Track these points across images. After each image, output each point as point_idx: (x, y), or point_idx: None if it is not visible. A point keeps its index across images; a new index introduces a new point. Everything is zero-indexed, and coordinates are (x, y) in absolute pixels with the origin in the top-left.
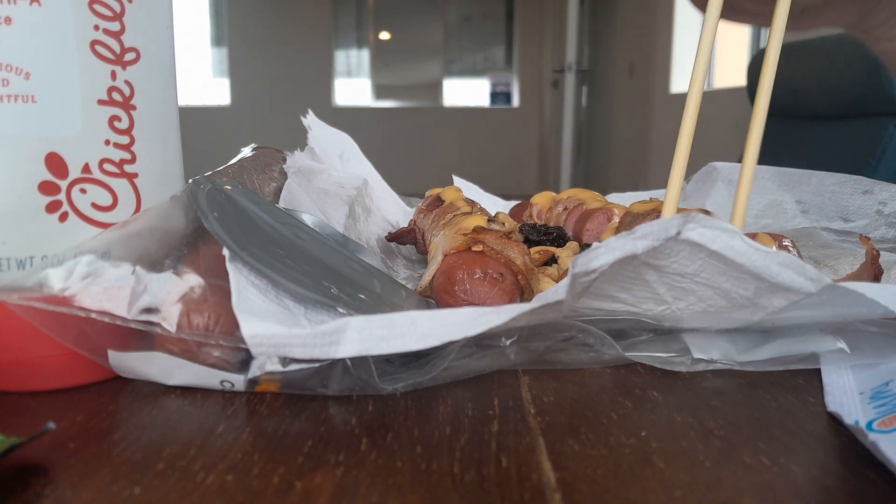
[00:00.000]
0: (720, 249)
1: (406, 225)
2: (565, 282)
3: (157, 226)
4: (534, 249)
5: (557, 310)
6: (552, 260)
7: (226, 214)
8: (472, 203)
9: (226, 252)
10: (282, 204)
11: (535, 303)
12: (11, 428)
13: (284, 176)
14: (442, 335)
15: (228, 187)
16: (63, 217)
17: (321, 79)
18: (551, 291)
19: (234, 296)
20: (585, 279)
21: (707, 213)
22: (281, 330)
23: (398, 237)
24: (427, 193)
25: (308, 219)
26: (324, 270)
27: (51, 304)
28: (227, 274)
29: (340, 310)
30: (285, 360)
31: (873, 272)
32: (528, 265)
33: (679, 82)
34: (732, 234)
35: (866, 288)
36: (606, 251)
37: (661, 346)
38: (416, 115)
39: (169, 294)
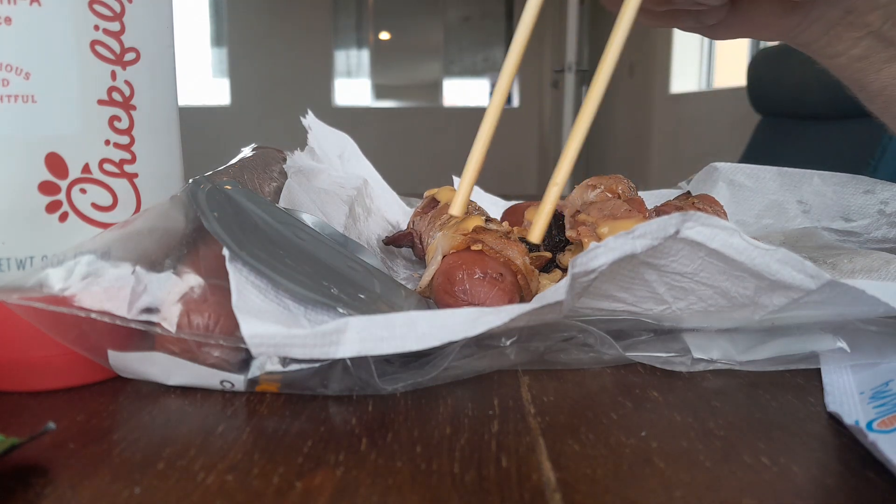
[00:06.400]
0: (719, 248)
1: (406, 225)
2: (565, 282)
3: (156, 226)
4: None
5: (557, 310)
6: (549, 263)
7: (226, 214)
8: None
9: (226, 252)
10: (282, 204)
11: (536, 303)
12: (11, 428)
13: (285, 176)
14: (442, 336)
15: (229, 187)
16: (63, 217)
17: (321, 79)
18: (551, 291)
19: (234, 296)
20: (585, 279)
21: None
22: (281, 330)
23: (395, 241)
24: (425, 194)
25: (308, 219)
26: (324, 270)
27: (51, 304)
28: (227, 274)
29: (340, 310)
30: (285, 360)
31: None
32: (528, 265)
33: (679, 82)
34: (731, 232)
35: (866, 285)
36: (605, 251)
37: (662, 346)
38: (415, 115)
39: (169, 294)
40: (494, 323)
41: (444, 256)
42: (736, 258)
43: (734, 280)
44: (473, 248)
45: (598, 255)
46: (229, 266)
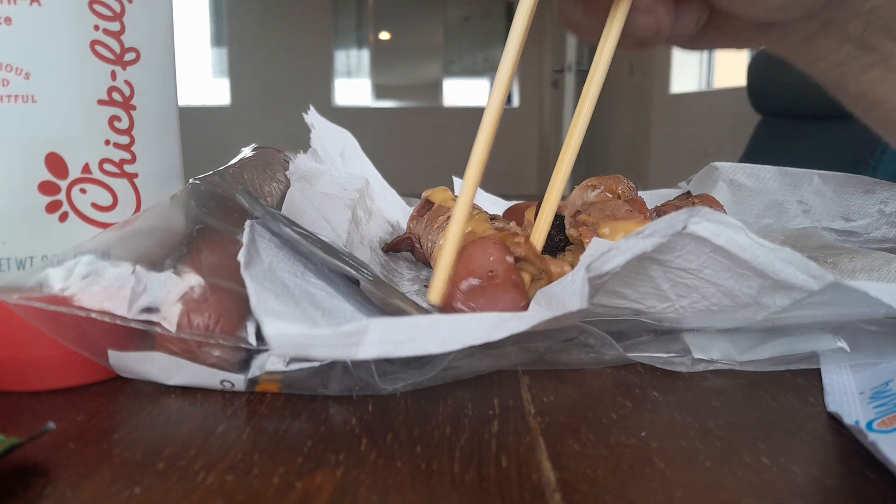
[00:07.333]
0: (724, 244)
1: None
2: (580, 287)
3: (157, 225)
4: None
5: (577, 316)
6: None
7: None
8: None
9: (241, 258)
10: (283, 213)
11: (557, 311)
12: (11, 428)
13: (287, 180)
14: (464, 339)
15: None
16: (63, 217)
17: (321, 79)
18: (562, 293)
19: (253, 300)
20: (599, 282)
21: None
22: (303, 330)
23: (394, 247)
24: (423, 195)
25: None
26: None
27: (51, 304)
28: (227, 273)
29: (367, 279)
30: (287, 360)
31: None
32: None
33: (679, 82)
34: (737, 230)
35: (869, 287)
36: (618, 253)
37: (662, 346)
38: (416, 115)
39: (169, 294)
40: (516, 329)
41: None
42: (740, 255)
43: (738, 278)
44: (513, 240)
45: (610, 257)
46: (244, 273)
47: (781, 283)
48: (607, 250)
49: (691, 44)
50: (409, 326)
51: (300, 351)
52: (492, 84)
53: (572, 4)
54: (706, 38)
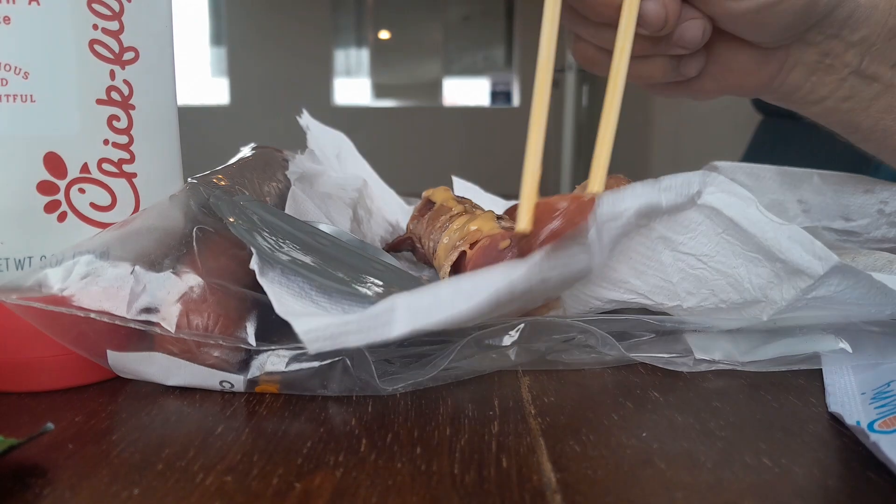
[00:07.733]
0: (735, 216)
1: (405, 228)
2: (591, 228)
3: (155, 225)
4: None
5: (586, 259)
6: None
7: (250, 223)
8: (463, 202)
9: (254, 266)
10: (287, 212)
11: (567, 243)
12: (10, 428)
13: (287, 178)
14: (488, 287)
15: (243, 203)
16: (62, 217)
17: (320, 78)
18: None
19: (275, 303)
20: (613, 224)
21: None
22: (334, 320)
23: (395, 247)
24: (423, 194)
25: (326, 228)
26: (351, 273)
27: (49, 304)
28: (226, 274)
29: (370, 293)
30: (287, 361)
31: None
32: None
33: None
34: (748, 202)
35: (875, 275)
36: (632, 196)
37: (664, 346)
38: (415, 114)
39: (168, 294)
40: (531, 262)
41: (462, 252)
42: (749, 230)
43: (748, 265)
44: (502, 245)
45: (624, 197)
46: (261, 280)
47: (788, 266)
48: (622, 191)
49: (701, 87)
50: (432, 292)
51: (334, 342)
52: (493, 84)
53: (587, 42)
54: (713, 76)
